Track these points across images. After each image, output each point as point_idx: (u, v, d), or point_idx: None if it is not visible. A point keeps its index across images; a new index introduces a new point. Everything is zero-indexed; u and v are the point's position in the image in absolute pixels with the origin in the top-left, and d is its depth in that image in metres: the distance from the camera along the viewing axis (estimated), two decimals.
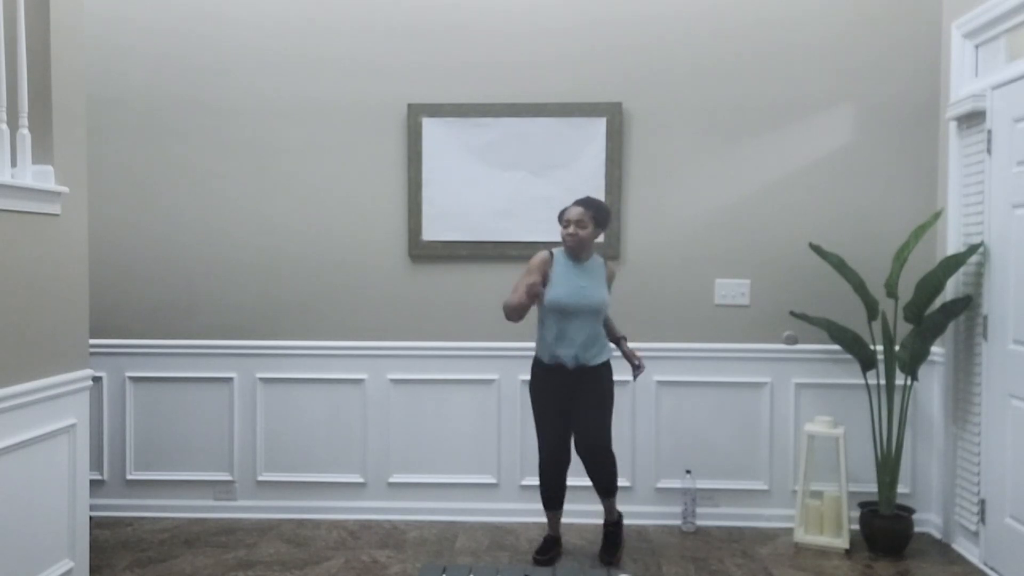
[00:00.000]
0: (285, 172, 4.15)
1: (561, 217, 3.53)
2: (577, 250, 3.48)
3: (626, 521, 3.84)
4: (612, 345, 3.62)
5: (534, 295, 3.31)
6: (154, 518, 4.13)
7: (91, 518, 3.18)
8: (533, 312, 3.49)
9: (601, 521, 3.73)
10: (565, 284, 3.45)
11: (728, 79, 4.05)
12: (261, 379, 4.17)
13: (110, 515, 4.12)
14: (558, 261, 3.51)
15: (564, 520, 3.72)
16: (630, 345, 3.66)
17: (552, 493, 3.60)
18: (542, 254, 3.50)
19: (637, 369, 3.58)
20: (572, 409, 3.49)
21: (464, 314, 4.13)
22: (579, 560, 3.61)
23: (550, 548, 3.64)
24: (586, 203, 3.49)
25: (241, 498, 4.20)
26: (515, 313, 3.37)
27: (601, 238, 3.97)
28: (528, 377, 3.62)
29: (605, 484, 3.57)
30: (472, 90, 4.09)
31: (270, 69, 4.13)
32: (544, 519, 3.71)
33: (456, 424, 4.15)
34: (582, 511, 3.92)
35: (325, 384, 4.17)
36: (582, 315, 3.44)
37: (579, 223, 3.44)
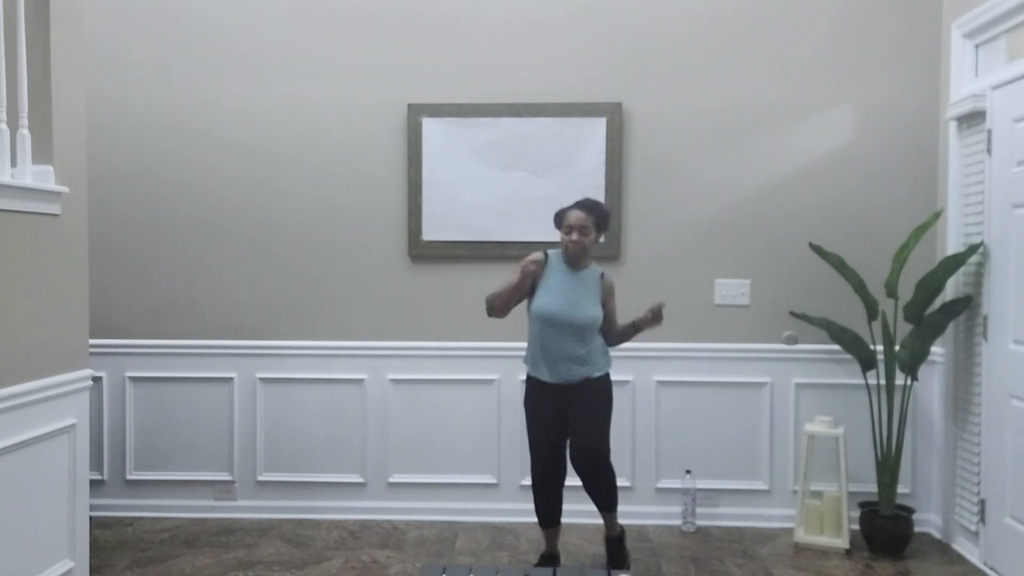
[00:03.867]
0: (285, 172, 4.15)
1: (560, 220, 3.31)
2: (578, 258, 3.28)
3: (626, 522, 3.80)
4: (611, 356, 3.40)
5: (528, 274, 3.21)
6: (154, 518, 4.13)
7: (91, 518, 3.18)
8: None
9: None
10: (555, 294, 3.23)
11: (728, 79, 4.05)
12: (261, 379, 4.17)
13: (110, 515, 4.12)
14: (552, 265, 3.30)
15: (564, 520, 3.68)
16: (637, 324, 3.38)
17: (547, 510, 3.38)
18: (536, 255, 3.29)
19: (653, 320, 3.26)
20: (567, 422, 3.28)
21: (464, 314, 4.11)
22: (579, 560, 3.61)
23: (548, 565, 3.44)
24: (588, 207, 3.27)
25: (241, 498, 4.19)
26: (500, 301, 3.23)
27: (602, 238, 3.98)
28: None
29: (604, 499, 3.37)
30: (472, 90, 4.09)
31: (270, 69, 4.13)
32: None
33: (456, 424, 4.15)
34: (583, 511, 3.87)
35: (325, 384, 4.17)
36: (567, 330, 3.21)
37: (582, 229, 3.22)
